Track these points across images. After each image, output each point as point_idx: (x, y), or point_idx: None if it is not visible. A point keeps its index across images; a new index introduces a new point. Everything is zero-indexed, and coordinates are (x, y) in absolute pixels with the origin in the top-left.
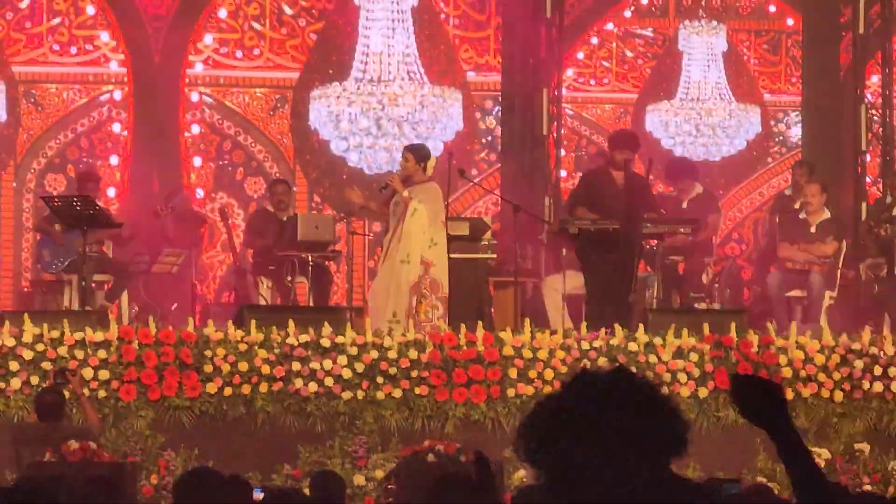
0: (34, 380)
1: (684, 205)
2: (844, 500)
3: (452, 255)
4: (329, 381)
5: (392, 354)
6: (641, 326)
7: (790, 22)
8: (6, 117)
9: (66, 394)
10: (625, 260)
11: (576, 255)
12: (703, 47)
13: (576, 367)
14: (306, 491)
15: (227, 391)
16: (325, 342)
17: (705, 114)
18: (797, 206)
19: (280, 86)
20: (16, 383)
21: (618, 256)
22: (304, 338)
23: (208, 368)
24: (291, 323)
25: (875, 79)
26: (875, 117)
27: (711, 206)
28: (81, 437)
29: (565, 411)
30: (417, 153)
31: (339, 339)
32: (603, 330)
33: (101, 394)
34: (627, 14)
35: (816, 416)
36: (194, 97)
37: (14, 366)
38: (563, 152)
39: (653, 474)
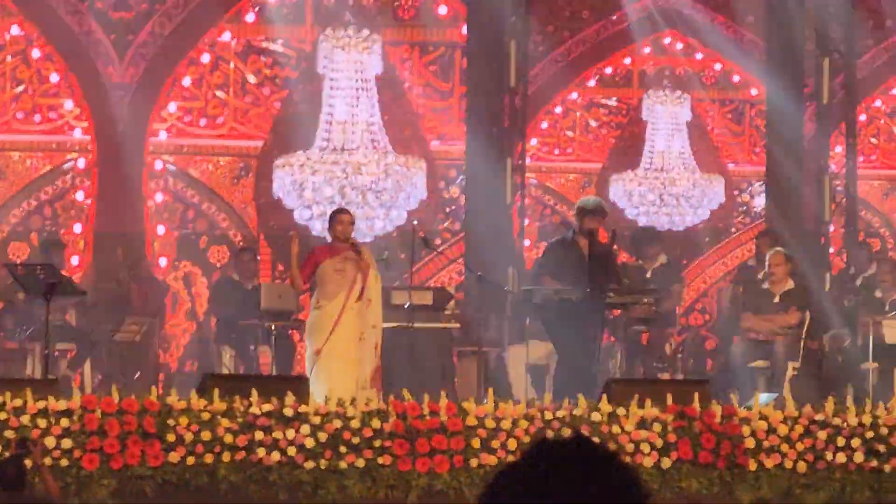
0: None
1: (648, 274)
2: None
3: (416, 325)
4: (292, 451)
5: (355, 424)
6: (605, 397)
7: (754, 92)
8: None
9: (28, 463)
10: (589, 330)
11: (543, 325)
12: (667, 117)
13: (539, 436)
14: None
15: (190, 460)
16: (289, 411)
17: (669, 183)
18: (761, 276)
19: (244, 154)
20: None
21: (583, 326)
22: (266, 407)
23: (171, 437)
24: (254, 392)
25: (839, 149)
26: (839, 188)
27: (675, 277)
28: None
29: (525, 480)
30: (352, 214)
31: (302, 409)
32: (566, 400)
33: (64, 462)
34: (591, 84)
35: (779, 487)
36: (158, 165)
37: None
38: (526, 221)
39: None
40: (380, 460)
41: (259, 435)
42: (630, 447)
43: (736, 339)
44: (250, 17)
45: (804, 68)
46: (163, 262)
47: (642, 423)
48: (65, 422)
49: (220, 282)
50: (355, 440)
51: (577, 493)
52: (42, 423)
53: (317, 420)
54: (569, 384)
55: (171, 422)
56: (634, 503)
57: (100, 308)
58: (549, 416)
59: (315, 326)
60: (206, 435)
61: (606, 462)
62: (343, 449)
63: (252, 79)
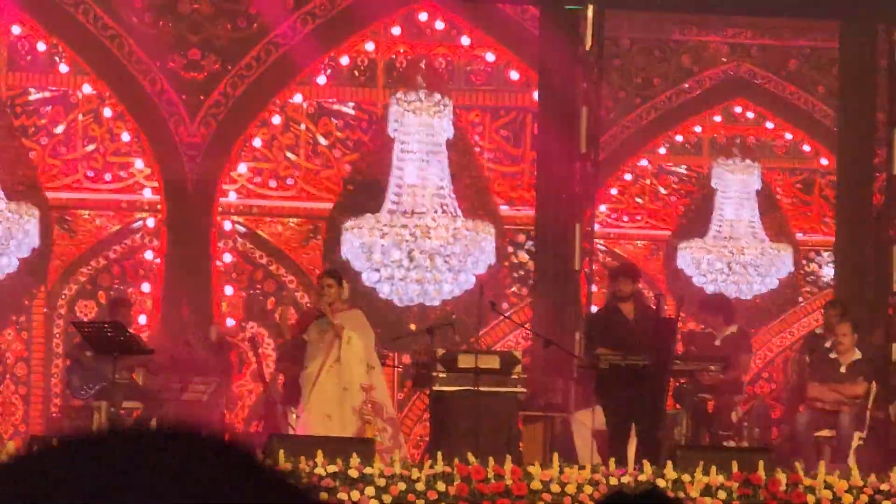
0: None
1: (717, 342)
2: None
3: (482, 389)
4: None
5: (420, 486)
6: (670, 463)
7: (824, 162)
8: (39, 243)
9: None
10: (651, 395)
11: (594, 391)
12: (736, 185)
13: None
14: None
15: None
16: (354, 473)
17: (738, 252)
18: (828, 345)
19: (313, 216)
20: None
21: (640, 392)
22: (332, 468)
23: None
24: (320, 453)
25: None
26: None
27: (744, 346)
28: None
29: None
30: (339, 278)
31: (368, 471)
32: (631, 466)
33: None
34: (662, 151)
35: None
36: (227, 226)
37: None
38: (594, 288)
39: None
40: None
41: (324, 496)
42: None
43: (802, 408)
44: (322, 80)
45: (875, 139)
46: (230, 322)
47: (707, 490)
48: None
49: (288, 343)
50: (420, 503)
51: None
52: None
53: (382, 482)
54: (619, 451)
55: None
56: None
57: (167, 368)
58: (614, 481)
59: (301, 386)
60: None
61: None
62: None
63: (323, 141)
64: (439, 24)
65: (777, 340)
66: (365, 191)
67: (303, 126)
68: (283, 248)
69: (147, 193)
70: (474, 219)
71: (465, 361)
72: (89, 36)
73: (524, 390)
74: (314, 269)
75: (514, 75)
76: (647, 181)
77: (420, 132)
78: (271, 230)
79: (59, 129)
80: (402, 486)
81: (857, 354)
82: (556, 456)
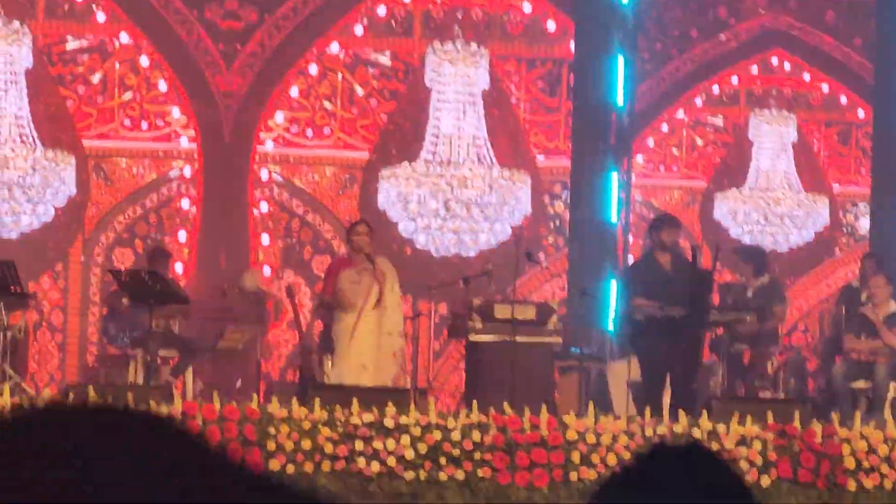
0: None
1: (749, 293)
2: None
3: (518, 339)
4: (392, 462)
5: (455, 436)
6: (705, 413)
7: (861, 114)
8: (76, 191)
9: None
10: (687, 347)
11: (630, 342)
12: (773, 137)
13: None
14: None
15: (290, 468)
16: (389, 422)
17: (774, 203)
18: (864, 297)
19: (350, 165)
20: None
21: (676, 343)
22: (368, 417)
23: (271, 446)
24: (356, 402)
25: None
26: None
27: (777, 295)
28: None
29: (638, 483)
30: (370, 226)
31: (403, 420)
32: (666, 416)
33: None
34: (698, 102)
35: None
36: (264, 175)
37: None
38: (631, 238)
39: None
40: (479, 473)
41: (359, 445)
42: None
43: (838, 359)
44: (359, 30)
45: None
46: (267, 271)
47: (742, 441)
48: None
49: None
50: (455, 452)
51: (689, 499)
52: None
53: (417, 431)
54: (653, 402)
55: (271, 430)
56: None
57: (203, 316)
58: (649, 431)
59: (336, 337)
60: (306, 444)
61: (722, 471)
62: (443, 460)
63: (359, 90)
64: None
65: (813, 292)
66: (401, 140)
67: (340, 76)
68: (319, 197)
69: (184, 142)
70: (510, 169)
71: (501, 312)
72: None
73: (560, 340)
74: (350, 219)
75: (551, 26)
76: (684, 132)
77: (456, 82)
78: (308, 179)
79: (96, 78)
80: (437, 434)
81: (893, 306)
82: (591, 406)
